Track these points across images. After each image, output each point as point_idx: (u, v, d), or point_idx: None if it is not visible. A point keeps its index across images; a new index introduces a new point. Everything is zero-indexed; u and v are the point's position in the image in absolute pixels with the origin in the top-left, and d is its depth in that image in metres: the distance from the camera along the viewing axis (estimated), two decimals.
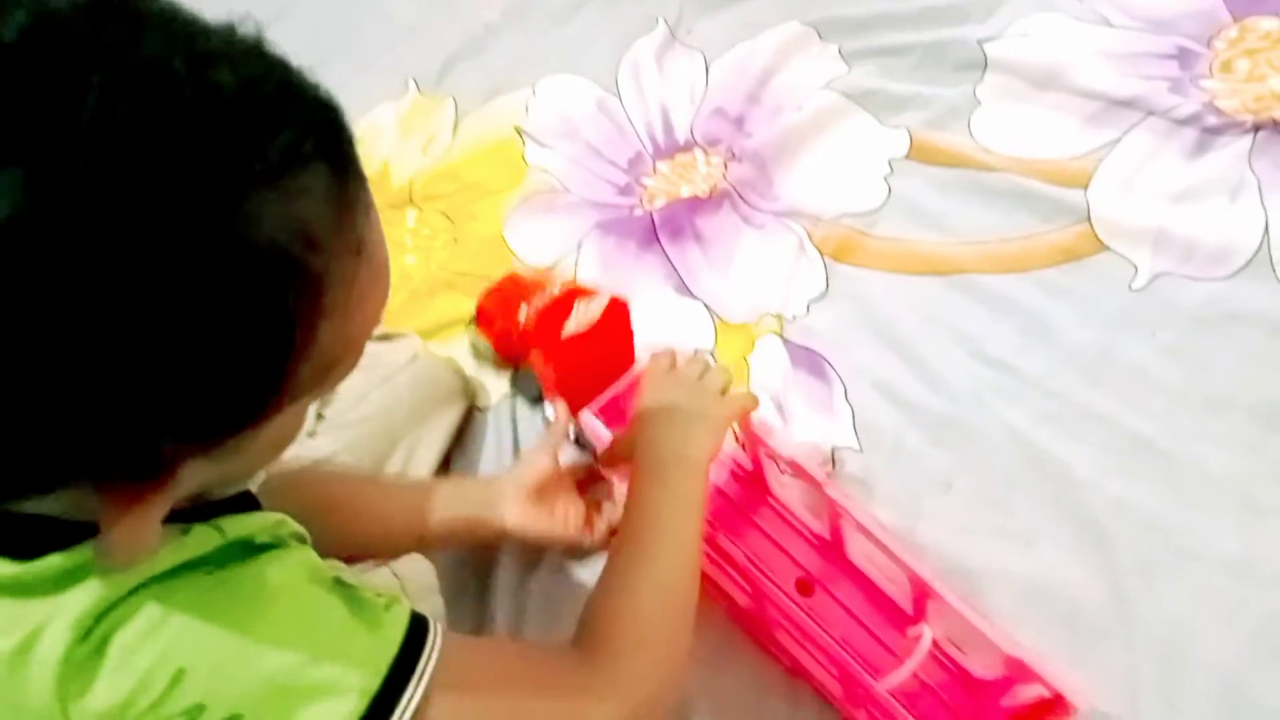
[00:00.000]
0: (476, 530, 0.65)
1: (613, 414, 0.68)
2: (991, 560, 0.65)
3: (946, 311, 0.78)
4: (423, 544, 0.65)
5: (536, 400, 0.78)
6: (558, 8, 1.02)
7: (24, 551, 0.35)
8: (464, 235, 0.87)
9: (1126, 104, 0.86)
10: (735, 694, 0.63)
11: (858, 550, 0.66)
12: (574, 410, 0.69)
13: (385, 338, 0.77)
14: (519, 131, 0.95)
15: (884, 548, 0.59)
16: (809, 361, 0.77)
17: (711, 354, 0.78)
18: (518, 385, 0.77)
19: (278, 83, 0.32)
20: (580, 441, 0.73)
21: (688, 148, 0.92)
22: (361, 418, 0.69)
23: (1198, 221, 0.79)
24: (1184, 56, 0.88)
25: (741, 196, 0.87)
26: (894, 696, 0.54)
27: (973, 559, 0.65)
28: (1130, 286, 0.78)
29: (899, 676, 0.53)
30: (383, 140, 0.96)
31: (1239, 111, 0.83)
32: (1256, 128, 0.82)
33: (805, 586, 0.66)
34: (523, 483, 0.66)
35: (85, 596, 0.35)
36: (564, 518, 0.67)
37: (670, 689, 0.51)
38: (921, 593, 0.60)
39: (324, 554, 0.43)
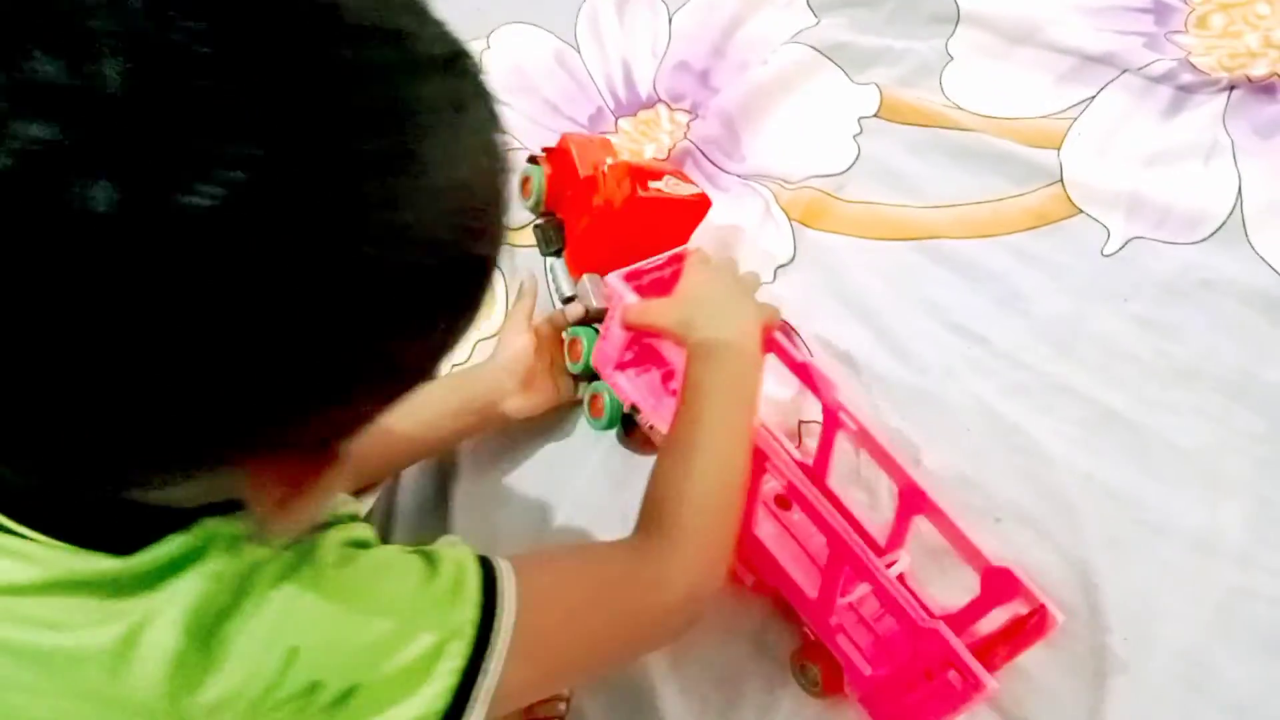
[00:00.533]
0: (484, 423, 0.68)
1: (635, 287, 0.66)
2: (921, 550, 0.64)
3: (916, 279, 0.76)
4: (433, 450, 0.70)
5: (552, 253, 0.76)
6: None
7: (121, 545, 0.35)
8: None
9: (1101, 60, 0.83)
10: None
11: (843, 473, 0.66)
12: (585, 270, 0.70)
13: None
14: None
15: (881, 452, 0.61)
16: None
17: None
18: (544, 231, 0.76)
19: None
20: (565, 301, 0.73)
21: (650, 104, 0.88)
22: None
23: (1171, 184, 0.78)
24: (1159, 10, 0.86)
25: (706, 156, 0.83)
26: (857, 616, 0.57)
27: (938, 535, 0.64)
28: (1103, 251, 0.76)
29: (859, 592, 0.57)
30: None
31: (1214, 69, 0.81)
32: (1231, 86, 0.81)
33: (784, 503, 0.65)
34: (514, 370, 0.68)
35: (192, 587, 0.35)
36: (557, 387, 0.71)
37: (723, 572, 0.53)
38: (907, 508, 0.61)
39: None
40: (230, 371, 0.27)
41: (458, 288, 0.32)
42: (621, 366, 0.68)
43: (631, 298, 0.64)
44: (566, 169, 0.74)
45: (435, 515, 0.73)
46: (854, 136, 0.83)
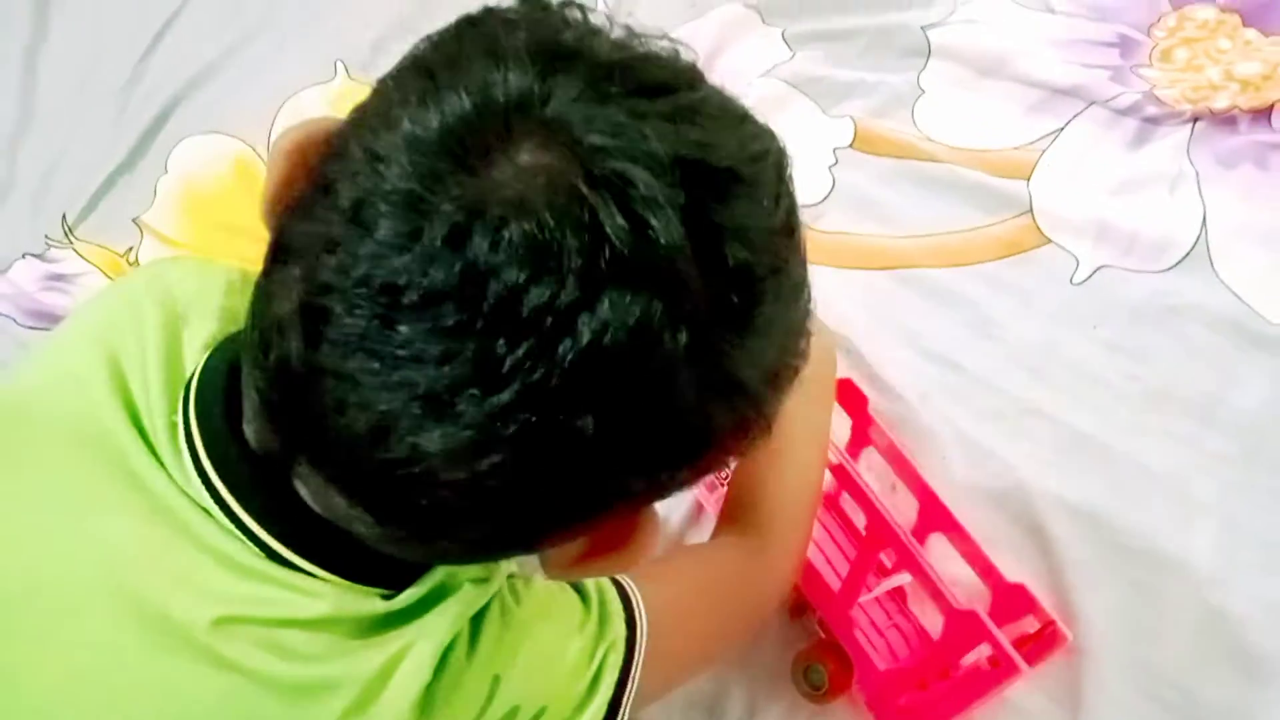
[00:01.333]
0: None
1: None
2: (936, 565, 0.65)
3: (892, 307, 0.78)
4: None
5: None
6: None
7: (395, 582, 0.37)
8: None
9: (1069, 93, 0.86)
10: None
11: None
12: None
13: None
14: None
15: (907, 466, 0.65)
16: None
17: None
18: None
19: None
20: None
21: None
22: None
23: (1138, 213, 0.80)
24: (1125, 44, 0.88)
25: None
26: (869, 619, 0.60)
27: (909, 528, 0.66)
28: (1071, 280, 0.78)
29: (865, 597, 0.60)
30: None
31: (1178, 101, 0.84)
32: (1195, 118, 0.84)
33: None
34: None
35: (442, 623, 0.37)
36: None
37: (803, 561, 0.59)
38: (926, 523, 0.63)
39: None
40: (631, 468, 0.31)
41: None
42: None
43: None
44: None
45: None
46: (829, 167, 0.85)
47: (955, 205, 0.82)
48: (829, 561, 0.65)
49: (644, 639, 0.44)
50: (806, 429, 0.59)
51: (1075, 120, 0.85)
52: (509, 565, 0.43)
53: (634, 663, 0.43)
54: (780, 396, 0.33)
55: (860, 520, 0.63)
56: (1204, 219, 0.79)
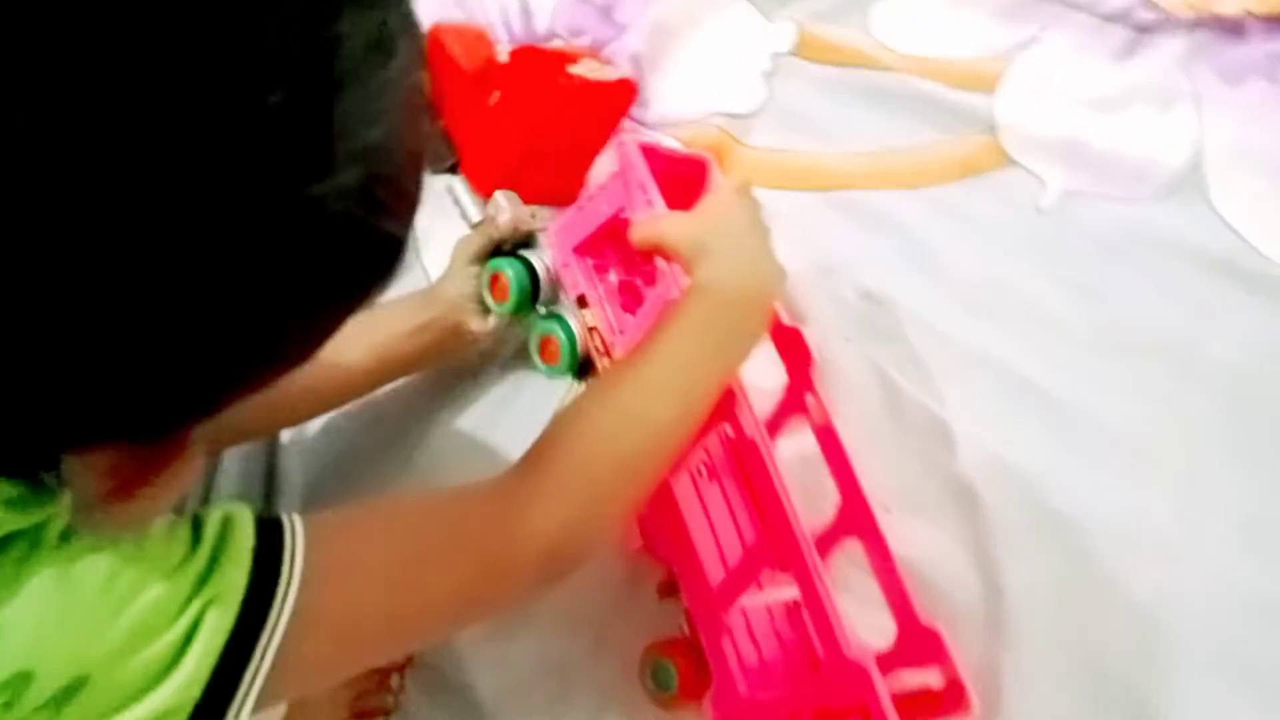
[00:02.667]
0: (444, 347, 0.63)
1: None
2: (841, 580, 0.56)
3: (818, 232, 0.69)
4: (378, 381, 0.64)
5: (445, 170, 0.66)
6: None
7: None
8: None
9: None
10: None
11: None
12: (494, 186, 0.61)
13: None
14: None
15: (839, 454, 0.54)
16: None
17: None
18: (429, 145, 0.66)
19: None
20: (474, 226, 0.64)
21: (546, 39, 0.81)
22: None
23: (1120, 133, 0.70)
24: None
25: None
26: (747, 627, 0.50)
27: (822, 527, 0.57)
28: (1037, 207, 0.68)
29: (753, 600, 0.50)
30: None
31: (1176, 8, 0.73)
32: (1196, 26, 0.72)
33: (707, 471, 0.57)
34: (471, 292, 0.63)
35: None
36: None
37: (604, 535, 0.46)
38: (844, 526, 0.53)
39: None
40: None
41: (358, 272, 0.28)
42: (581, 252, 0.58)
43: (652, 189, 0.53)
44: (443, 66, 0.64)
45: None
46: (765, 75, 0.76)
47: (905, 120, 0.73)
48: (717, 542, 0.55)
49: (291, 596, 0.33)
50: (684, 374, 0.46)
51: (1053, 27, 0.75)
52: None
53: (265, 626, 0.33)
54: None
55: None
56: (1200, 141, 0.68)
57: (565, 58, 0.61)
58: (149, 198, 0.23)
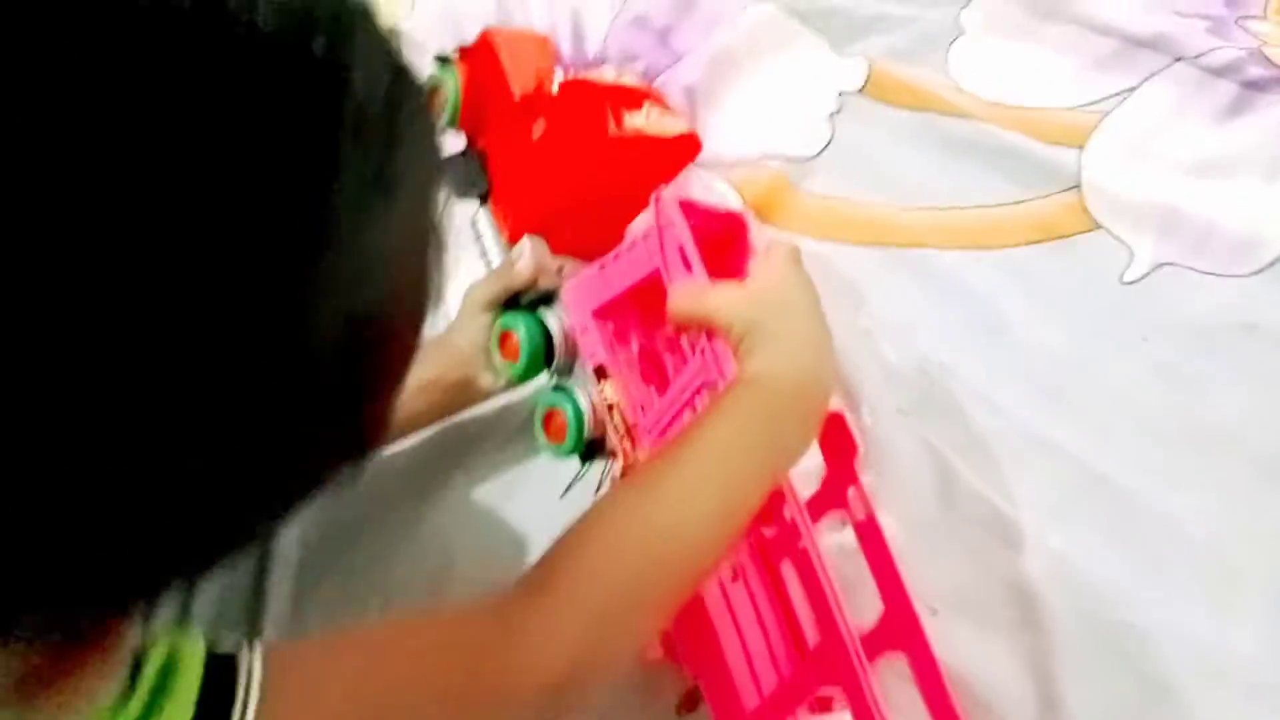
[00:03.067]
0: (454, 403, 0.60)
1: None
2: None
3: (876, 292, 0.64)
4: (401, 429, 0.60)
5: (473, 197, 0.62)
6: None
7: None
8: None
9: (1149, 44, 0.70)
10: None
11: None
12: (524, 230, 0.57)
13: None
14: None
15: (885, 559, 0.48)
16: None
17: None
18: (461, 166, 0.62)
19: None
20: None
21: (597, 63, 0.77)
22: None
23: (1220, 201, 0.64)
24: None
25: None
26: None
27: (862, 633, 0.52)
28: (1122, 278, 0.63)
29: None
30: None
31: None
32: None
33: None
34: (482, 343, 0.59)
35: None
36: None
37: (624, 659, 0.42)
38: (883, 639, 0.48)
39: None
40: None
41: (332, 449, 0.26)
42: (602, 316, 0.54)
43: (693, 253, 0.48)
44: (491, 78, 0.60)
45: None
46: (830, 115, 0.71)
47: (982, 173, 0.68)
48: (748, 654, 0.50)
49: None
50: (724, 481, 0.42)
51: (1153, 79, 0.69)
52: None
53: None
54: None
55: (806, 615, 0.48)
56: None
57: (623, 97, 0.57)
58: (93, 365, 0.20)
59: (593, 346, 0.52)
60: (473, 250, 0.63)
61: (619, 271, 0.51)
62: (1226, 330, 0.60)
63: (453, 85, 0.60)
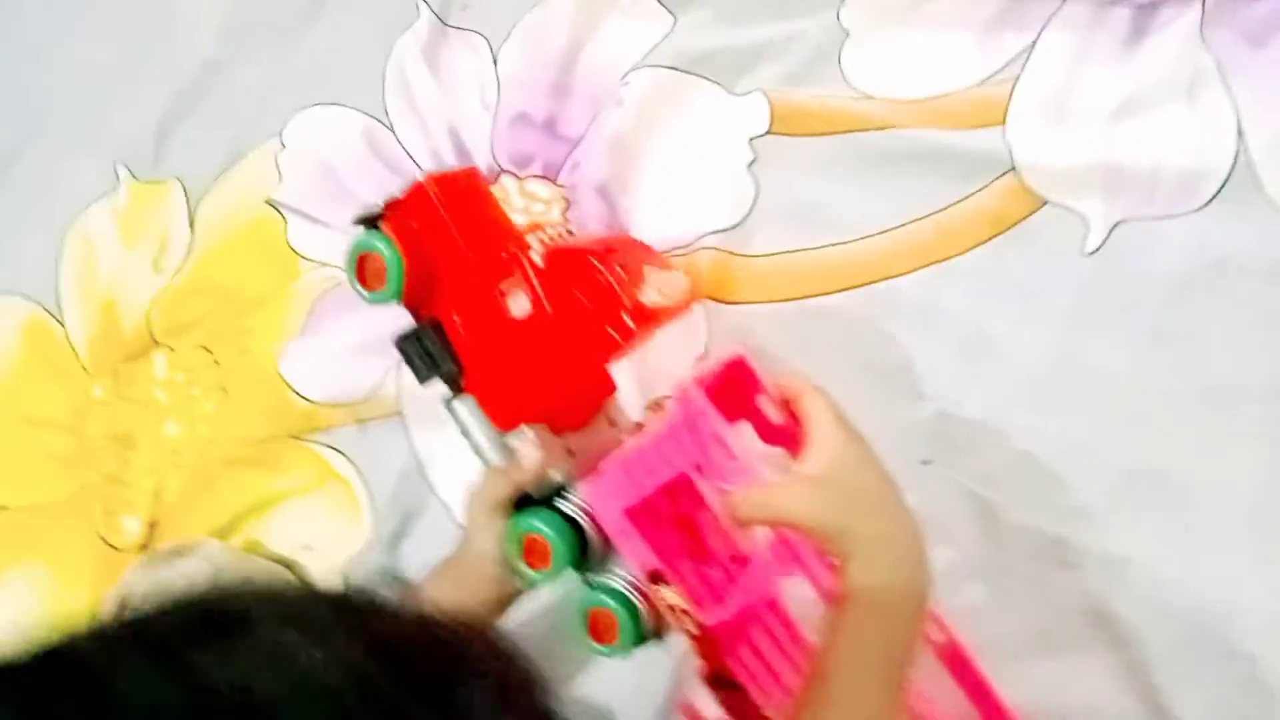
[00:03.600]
0: (497, 613, 0.57)
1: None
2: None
3: (863, 344, 0.64)
4: None
5: (437, 379, 0.55)
6: (288, 14, 0.80)
7: None
8: (236, 378, 0.69)
9: None
10: None
11: None
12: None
13: (175, 554, 0.60)
14: (274, 206, 0.75)
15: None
16: None
17: None
18: (416, 347, 0.55)
19: None
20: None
21: (491, 177, 0.73)
22: None
23: (1154, 138, 0.65)
24: None
25: None
26: None
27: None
28: (1084, 250, 0.63)
29: None
30: (103, 258, 0.76)
31: None
32: None
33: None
34: (501, 557, 0.56)
35: None
36: None
37: None
38: None
39: None
40: None
41: None
42: (637, 515, 0.50)
43: (733, 440, 0.47)
44: (435, 237, 0.52)
45: None
46: (748, 166, 0.69)
47: (916, 181, 0.68)
48: None
49: None
50: (860, 685, 0.42)
51: (1047, 28, 0.68)
52: None
53: None
54: None
55: None
56: (1238, 125, 0.62)
57: (634, 264, 0.52)
58: None
59: (640, 551, 0.50)
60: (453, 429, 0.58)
61: (648, 466, 0.48)
62: (1199, 275, 0.61)
63: (390, 253, 0.52)
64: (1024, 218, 0.65)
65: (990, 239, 0.65)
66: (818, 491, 0.45)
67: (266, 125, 0.78)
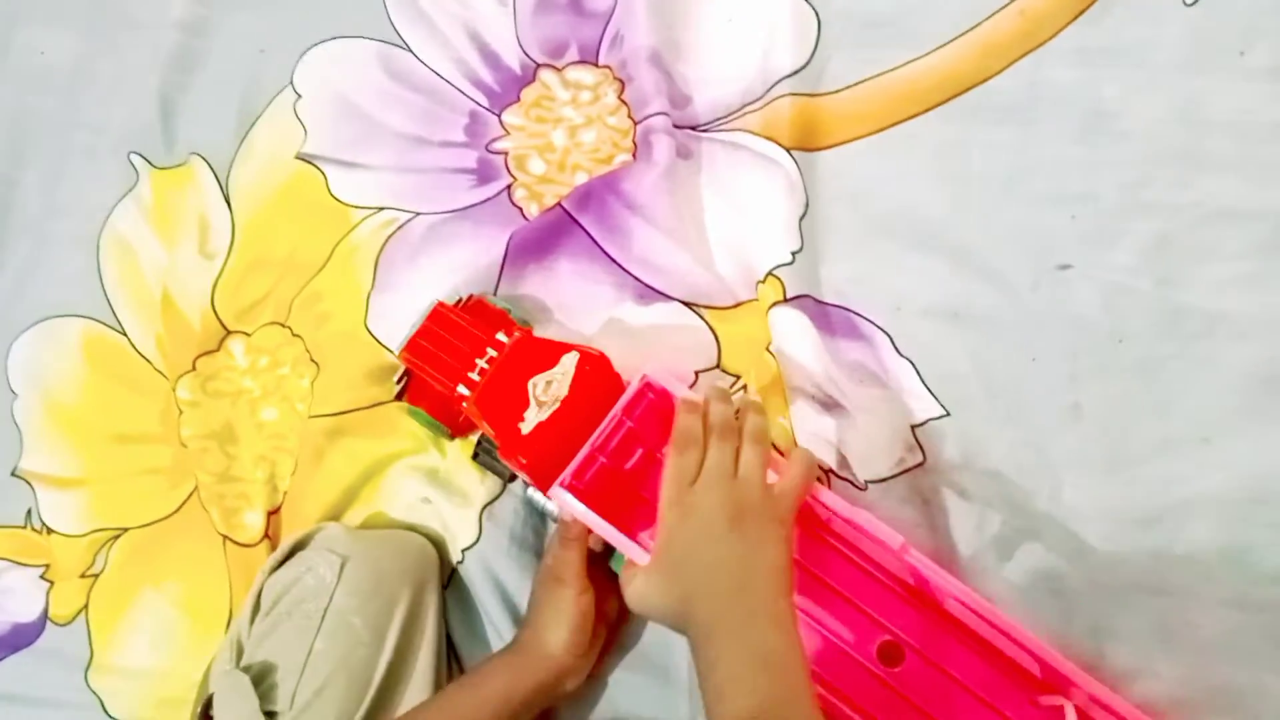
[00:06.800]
0: (537, 711, 0.59)
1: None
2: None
3: (974, 156, 0.63)
4: None
5: (509, 478, 0.65)
6: None
7: None
8: (323, 348, 0.68)
9: None
10: None
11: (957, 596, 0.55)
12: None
13: (298, 548, 0.61)
14: (307, 160, 0.73)
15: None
16: (835, 321, 0.62)
17: (727, 380, 0.62)
18: (488, 457, 0.64)
19: None
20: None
21: (528, 76, 0.71)
22: (318, 689, 0.55)
23: None
24: None
25: (679, 126, 0.68)
26: None
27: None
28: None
29: None
30: (144, 256, 0.75)
31: None
32: None
33: (892, 652, 0.57)
34: (579, 641, 0.58)
35: None
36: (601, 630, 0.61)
37: None
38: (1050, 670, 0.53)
39: None
40: None
41: None
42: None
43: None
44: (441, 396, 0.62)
45: None
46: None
47: None
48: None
49: None
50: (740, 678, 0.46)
51: None
52: None
53: None
54: None
55: None
56: None
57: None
58: None
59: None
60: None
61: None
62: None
63: (423, 421, 0.64)
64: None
65: (1083, 12, 0.64)
66: (661, 578, 0.50)
67: (273, 76, 0.76)
